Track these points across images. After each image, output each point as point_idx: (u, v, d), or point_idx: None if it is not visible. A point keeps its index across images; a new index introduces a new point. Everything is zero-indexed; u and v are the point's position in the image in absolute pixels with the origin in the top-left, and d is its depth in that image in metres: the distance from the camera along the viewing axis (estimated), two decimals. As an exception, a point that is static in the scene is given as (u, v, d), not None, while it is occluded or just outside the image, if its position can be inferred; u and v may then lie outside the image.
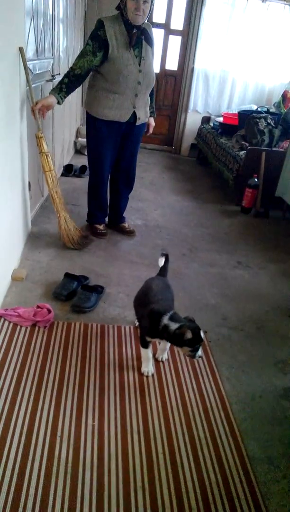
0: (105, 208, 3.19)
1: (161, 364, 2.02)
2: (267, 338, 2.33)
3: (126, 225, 3.32)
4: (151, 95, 2.93)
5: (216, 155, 4.71)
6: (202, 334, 1.74)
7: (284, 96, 4.70)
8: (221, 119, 5.00)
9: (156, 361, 2.03)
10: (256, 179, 4.01)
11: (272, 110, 4.72)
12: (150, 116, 3.04)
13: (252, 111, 4.55)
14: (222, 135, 4.84)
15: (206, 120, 5.50)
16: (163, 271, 2.18)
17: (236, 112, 4.83)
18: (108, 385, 1.83)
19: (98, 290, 2.42)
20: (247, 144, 4.22)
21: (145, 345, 1.89)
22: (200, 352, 1.77)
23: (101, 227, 3.20)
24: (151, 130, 3.13)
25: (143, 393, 1.82)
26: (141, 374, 1.92)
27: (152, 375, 1.93)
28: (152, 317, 1.80)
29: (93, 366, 1.92)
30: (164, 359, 2.04)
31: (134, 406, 1.74)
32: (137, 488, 1.42)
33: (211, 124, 5.31)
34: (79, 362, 1.93)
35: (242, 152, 4.17)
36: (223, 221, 3.86)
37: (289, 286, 2.89)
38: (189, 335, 1.69)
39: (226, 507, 1.40)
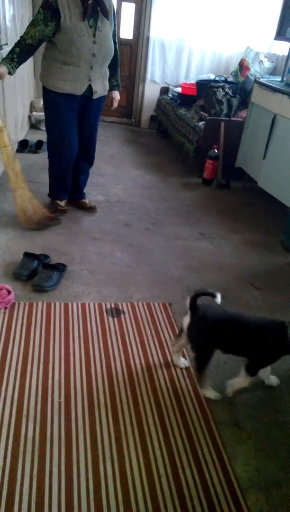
0: (67, 185, 3.11)
1: (126, 334, 2.02)
2: (231, 306, 2.36)
3: (86, 201, 3.25)
4: (114, 67, 2.83)
5: (176, 127, 4.66)
6: None
7: (241, 64, 4.67)
8: (179, 90, 4.93)
9: (123, 340, 2.02)
10: (216, 150, 4.00)
11: (230, 79, 4.69)
12: (114, 89, 2.95)
13: (210, 81, 4.50)
14: (181, 106, 4.78)
15: (164, 90, 5.41)
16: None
17: (194, 82, 4.76)
18: (74, 363, 1.82)
19: (60, 268, 2.37)
20: (206, 115, 4.19)
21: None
22: None
23: (62, 203, 3.12)
24: (115, 104, 3.05)
25: (109, 367, 1.82)
26: (107, 349, 1.92)
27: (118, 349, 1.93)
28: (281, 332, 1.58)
29: (58, 345, 1.90)
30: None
31: (100, 381, 1.75)
32: (106, 460, 1.43)
33: (170, 95, 5.22)
34: (43, 341, 1.90)
35: (201, 123, 4.14)
36: (185, 194, 3.85)
37: (251, 256, 2.94)
38: None
39: (194, 471, 1.43)
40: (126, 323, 2.12)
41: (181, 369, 1.86)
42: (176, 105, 4.83)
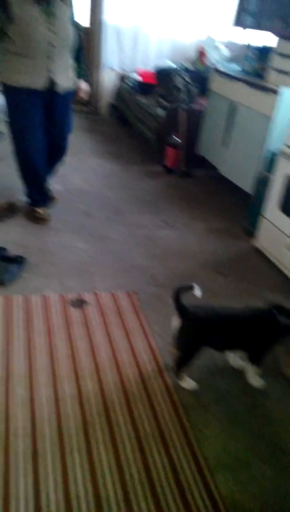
0: (44, 190, 2.91)
1: (90, 325, 1.99)
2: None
3: (41, 210, 2.96)
4: (79, 55, 2.64)
5: (136, 115, 4.62)
6: None
7: (199, 52, 4.67)
8: (138, 77, 4.88)
9: (88, 331, 2.00)
10: (176, 138, 4.00)
11: (189, 67, 4.68)
12: (80, 77, 2.74)
13: (168, 69, 4.48)
14: (140, 93, 4.73)
15: (122, 78, 5.35)
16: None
17: (153, 70, 4.72)
18: (37, 357, 1.78)
19: (19, 260, 2.31)
20: (165, 102, 4.17)
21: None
22: None
23: (41, 210, 2.88)
24: (83, 95, 2.82)
25: (74, 358, 1.79)
26: (71, 341, 1.88)
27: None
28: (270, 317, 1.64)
29: (20, 339, 1.85)
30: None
31: (65, 372, 1.72)
32: (73, 451, 1.41)
33: (129, 83, 5.17)
34: (3, 337, 1.85)
35: (161, 111, 4.12)
36: (147, 182, 3.84)
37: (215, 243, 2.96)
38: None
39: (162, 455, 1.44)
40: (90, 314, 2.09)
41: (147, 355, 1.86)
42: (135, 93, 4.78)
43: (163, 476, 1.37)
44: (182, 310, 1.61)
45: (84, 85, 2.79)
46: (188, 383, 1.73)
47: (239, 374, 1.84)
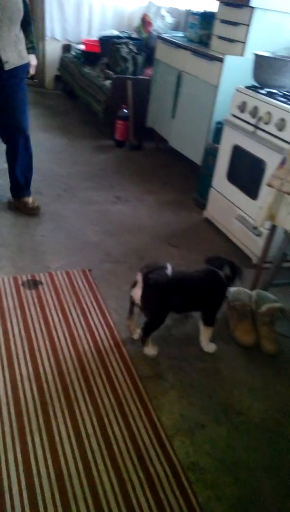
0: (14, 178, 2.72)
1: (46, 305, 1.98)
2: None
3: (29, 200, 2.76)
4: (26, 28, 2.41)
5: (82, 87, 4.48)
6: None
7: (143, 20, 4.55)
8: (82, 47, 4.71)
9: (43, 312, 1.98)
10: (125, 110, 3.94)
11: (134, 35, 4.57)
12: (29, 52, 2.49)
13: (113, 37, 4.36)
14: (85, 64, 4.59)
15: (67, 48, 5.15)
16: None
17: (97, 39, 4.58)
18: (-8, 339, 1.75)
19: None
20: (112, 73, 4.07)
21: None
22: None
23: (28, 200, 2.75)
24: (32, 71, 2.57)
25: (30, 341, 1.78)
26: (26, 323, 1.87)
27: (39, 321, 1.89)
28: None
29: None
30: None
31: (21, 353, 1.71)
32: (33, 431, 1.42)
33: (73, 53, 4.99)
34: None
35: (108, 82, 4.02)
36: (97, 157, 3.77)
37: (166, 215, 2.98)
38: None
39: (121, 426, 1.48)
40: (45, 294, 2.07)
41: (105, 334, 1.87)
42: (80, 64, 4.63)
43: (123, 447, 1.41)
44: (144, 277, 1.65)
45: (34, 61, 2.58)
46: (151, 350, 1.79)
47: (191, 341, 1.89)
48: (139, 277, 1.67)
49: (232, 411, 1.60)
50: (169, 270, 1.68)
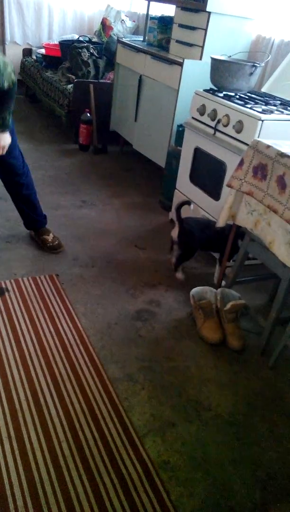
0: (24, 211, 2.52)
1: (13, 313, 1.96)
2: (117, 269, 2.42)
3: (48, 237, 2.51)
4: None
5: (44, 91, 4.45)
6: None
7: (103, 24, 4.57)
8: (43, 51, 4.68)
9: (10, 319, 1.96)
10: (88, 114, 3.94)
11: (94, 39, 4.58)
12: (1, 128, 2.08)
13: (73, 41, 4.35)
14: (47, 68, 4.56)
15: (27, 52, 5.10)
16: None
17: (58, 43, 4.56)
18: None
19: None
20: (73, 77, 4.06)
21: None
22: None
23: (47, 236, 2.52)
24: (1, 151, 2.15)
25: (-3, 348, 1.77)
26: (-7, 330, 1.85)
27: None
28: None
29: None
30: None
31: (-11, 363, 1.69)
32: (3, 439, 1.41)
33: (34, 57, 4.95)
34: None
35: (70, 86, 4.01)
36: (62, 161, 3.76)
37: (133, 219, 3.01)
38: None
39: (93, 429, 1.49)
40: (12, 302, 2.05)
41: (74, 339, 1.87)
42: (42, 68, 4.60)
43: (95, 450, 1.42)
44: (179, 219, 2.27)
45: (4, 140, 2.12)
46: (180, 275, 2.37)
47: (160, 342, 1.92)
48: (175, 219, 2.31)
49: (201, 408, 1.63)
50: (191, 206, 2.36)
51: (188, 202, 2.33)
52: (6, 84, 1.94)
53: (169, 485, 1.34)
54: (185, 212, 2.33)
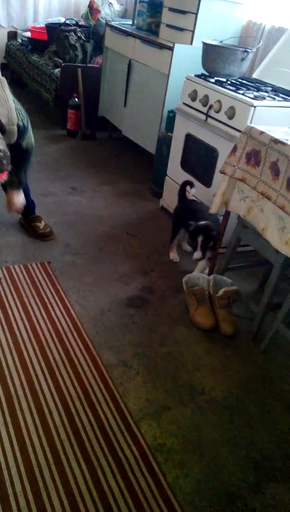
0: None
1: (5, 301, 1.95)
2: (109, 256, 2.42)
3: (40, 224, 2.48)
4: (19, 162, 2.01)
5: (30, 75, 4.37)
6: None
7: (90, 6, 4.47)
8: (29, 34, 4.58)
9: (3, 307, 1.95)
10: (76, 99, 3.88)
11: (81, 22, 4.49)
12: (11, 188, 2.13)
13: (60, 24, 4.26)
14: (33, 51, 4.47)
15: (12, 35, 4.98)
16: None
17: (44, 26, 4.46)
18: None
19: None
20: (60, 61, 3.99)
21: None
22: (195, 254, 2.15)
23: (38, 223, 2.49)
24: (12, 208, 2.19)
25: (-9, 335, 1.76)
26: (-14, 318, 1.84)
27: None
28: None
29: None
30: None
31: (-17, 351, 1.68)
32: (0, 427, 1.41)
33: (20, 40, 4.83)
34: None
35: (57, 70, 3.94)
36: (50, 147, 3.70)
37: (123, 205, 2.99)
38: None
39: (89, 415, 1.50)
40: (3, 290, 2.04)
41: (68, 326, 1.87)
42: (28, 51, 4.50)
43: (92, 434, 1.43)
44: (181, 196, 2.44)
45: (15, 197, 2.14)
46: (174, 254, 2.47)
47: (154, 329, 1.94)
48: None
49: (195, 392, 1.66)
50: (193, 190, 2.42)
51: (191, 183, 2.39)
52: (25, 143, 2.03)
53: (165, 467, 1.37)
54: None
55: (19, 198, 2.18)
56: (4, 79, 1.88)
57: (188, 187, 2.42)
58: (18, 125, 1.90)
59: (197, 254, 2.16)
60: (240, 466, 1.41)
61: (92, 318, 1.95)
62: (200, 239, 2.13)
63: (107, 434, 1.44)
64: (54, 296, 2.05)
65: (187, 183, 2.41)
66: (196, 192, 2.44)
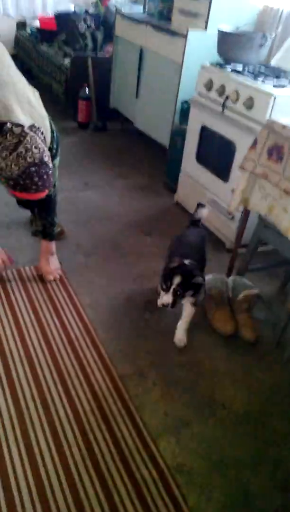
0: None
1: (15, 304, 1.88)
2: (123, 257, 2.32)
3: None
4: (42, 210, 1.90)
5: (40, 66, 4.26)
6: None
7: (100, -7, 4.34)
8: (37, 24, 4.46)
9: (12, 309, 1.88)
10: (87, 90, 3.76)
11: (91, 10, 4.35)
12: (40, 234, 2.00)
13: (69, 13, 4.13)
14: (42, 42, 4.35)
15: (21, 25, 4.86)
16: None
17: (53, 15, 4.33)
18: None
19: None
20: (70, 50, 3.87)
21: None
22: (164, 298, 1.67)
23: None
24: (46, 277, 2.05)
25: (0, 342, 1.69)
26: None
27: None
28: None
29: None
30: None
31: (-7, 361, 1.61)
32: (10, 443, 1.34)
33: (29, 30, 4.72)
34: None
35: (67, 60, 3.82)
36: (61, 141, 3.60)
37: (138, 202, 2.89)
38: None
39: (103, 430, 1.42)
40: (13, 292, 1.97)
41: (80, 332, 1.79)
42: (37, 42, 4.39)
43: (106, 452, 1.35)
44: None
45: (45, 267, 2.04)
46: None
47: (167, 335, 1.83)
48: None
49: (216, 404, 1.56)
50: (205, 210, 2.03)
51: (202, 205, 2.04)
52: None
53: (185, 490, 1.28)
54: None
55: (49, 264, 2.04)
56: (37, 92, 1.72)
57: (199, 209, 2.04)
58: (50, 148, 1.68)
59: (166, 299, 1.65)
60: (265, 488, 1.32)
61: (106, 324, 1.87)
62: (177, 279, 1.63)
63: (122, 452, 1.36)
64: (65, 299, 1.97)
65: (200, 204, 2.05)
66: (208, 213, 2.08)
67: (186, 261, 1.69)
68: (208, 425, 1.48)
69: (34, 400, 1.49)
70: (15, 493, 1.22)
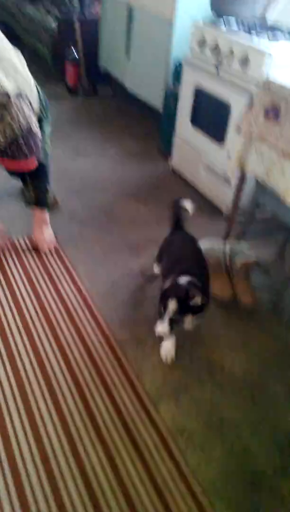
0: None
1: (10, 275, 1.86)
2: (117, 225, 2.29)
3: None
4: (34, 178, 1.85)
5: (25, 28, 4.07)
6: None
7: None
8: (20, -19, 4.23)
9: (5, 276, 1.86)
10: (74, 52, 3.61)
11: None
12: (32, 203, 1.96)
13: None
14: (27, 1, 4.13)
15: (3, -16, 4.61)
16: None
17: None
18: None
19: None
20: (57, 11, 3.69)
21: None
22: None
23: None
24: (40, 248, 2.02)
25: (-3, 316, 1.68)
26: (-9, 297, 1.75)
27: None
28: None
29: None
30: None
31: (-10, 333, 1.61)
32: (12, 413, 1.35)
33: (11, -11, 4.47)
34: None
35: (53, 22, 3.64)
36: (50, 106, 3.48)
37: (130, 168, 2.83)
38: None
39: (104, 397, 1.43)
40: (8, 264, 1.95)
41: (78, 302, 1.78)
42: (21, 1, 4.17)
43: (108, 418, 1.37)
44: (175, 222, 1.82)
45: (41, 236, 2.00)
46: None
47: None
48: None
49: (214, 369, 1.58)
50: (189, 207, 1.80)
51: (180, 200, 1.80)
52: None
53: (186, 452, 1.30)
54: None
55: (44, 234, 2.01)
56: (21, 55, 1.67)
57: (184, 204, 1.81)
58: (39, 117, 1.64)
59: (161, 329, 1.45)
60: (264, 449, 1.35)
61: (102, 293, 1.86)
62: (172, 305, 1.42)
63: (123, 418, 1.38)
64: (61, 270, 1.95)
65: (178, 201, 1.79)
66: (193, 208, 1.82)
67: (182, 280, 1.46)
68: (207, 389, 1.50)
69: (33, 369, 1.49)
70: (18, 460, 1.24)
